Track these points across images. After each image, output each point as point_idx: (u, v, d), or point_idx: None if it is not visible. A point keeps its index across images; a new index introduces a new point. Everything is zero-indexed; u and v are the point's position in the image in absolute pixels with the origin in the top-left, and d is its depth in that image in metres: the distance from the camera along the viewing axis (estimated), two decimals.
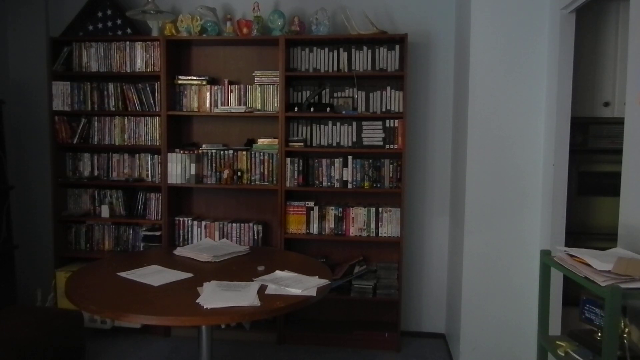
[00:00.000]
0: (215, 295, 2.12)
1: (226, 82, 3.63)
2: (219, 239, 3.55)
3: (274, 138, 3.60)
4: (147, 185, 3.73)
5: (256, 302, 2.07)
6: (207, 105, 3.65)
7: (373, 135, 3.51)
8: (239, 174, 3.62)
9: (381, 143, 3.50)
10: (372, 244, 3.67)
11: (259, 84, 3.60)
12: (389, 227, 3.51)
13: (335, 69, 3.54)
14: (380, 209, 3.51)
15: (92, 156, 3.79)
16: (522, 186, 2.98)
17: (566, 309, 2.82)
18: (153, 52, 3.60)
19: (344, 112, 3.48)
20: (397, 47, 3.48)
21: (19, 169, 3.87)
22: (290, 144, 3.55)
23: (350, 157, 3.51)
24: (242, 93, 3.62)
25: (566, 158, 2.79)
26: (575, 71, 2.79)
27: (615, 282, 1.54)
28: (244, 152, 3.61)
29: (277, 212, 3.59)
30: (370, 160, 3.53)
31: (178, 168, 3.61)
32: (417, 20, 3.60)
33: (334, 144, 3.58)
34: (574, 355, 1.80)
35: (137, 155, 3.74)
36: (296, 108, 3.51)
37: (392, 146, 3.49)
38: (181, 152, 3.62)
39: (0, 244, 3.37)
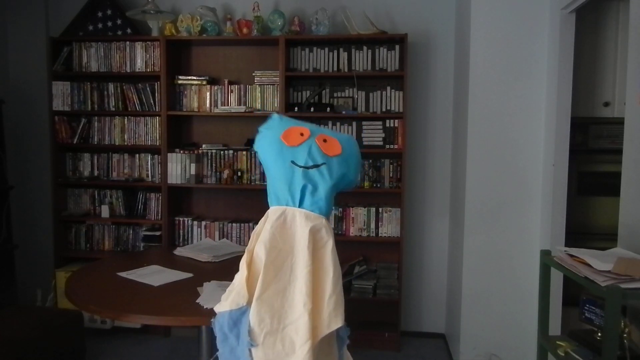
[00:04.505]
0: (215, 295, 2.11)
1: (226, 82, 3.63)
2: (219, 239, 3.55)
3: None
4: (147, 185, 3.73)
5: None
6: (207, 105, 3.64)
7: (373, 135, 3.51)
8: (239, 174, 3.62)
9: (381, 143, 3.50)
10: (372, 244, 3.67)
11: (259, 84, 3.60)
12: (389, 227, 3.51)
13: (335, 69, 3.53)
14: (380, 209, 3.51)
15: (92, 156, 3.79)
16: (522, 186, 2.98)
17: (566, 309, 2.82)
18: (153, 52, 3.60)
19: (344, 112, 3.48)
20: (397, 47, 3.48)
21: (19, 169, 3.86)
22: None
23: None
24: (242, 93, 3.62)
25: (566, 158, 2.79)
26: (575, 71, 2.79)
27: (615, 282, 1.54)
28: (244, 152, 3.61)
29: None
30: (370, 160, 3.53)
31: (178, 168, 3.61)
32: (417, 20, 3.60)
33: None
34: (574, 355, 1.80)
35: (137, 155, 3.74)
36: (296, 108, 3.51)
37: (392, 146, 3.49)
38: (181, 152, 3.62)
39: (0, 243, 3.37)
